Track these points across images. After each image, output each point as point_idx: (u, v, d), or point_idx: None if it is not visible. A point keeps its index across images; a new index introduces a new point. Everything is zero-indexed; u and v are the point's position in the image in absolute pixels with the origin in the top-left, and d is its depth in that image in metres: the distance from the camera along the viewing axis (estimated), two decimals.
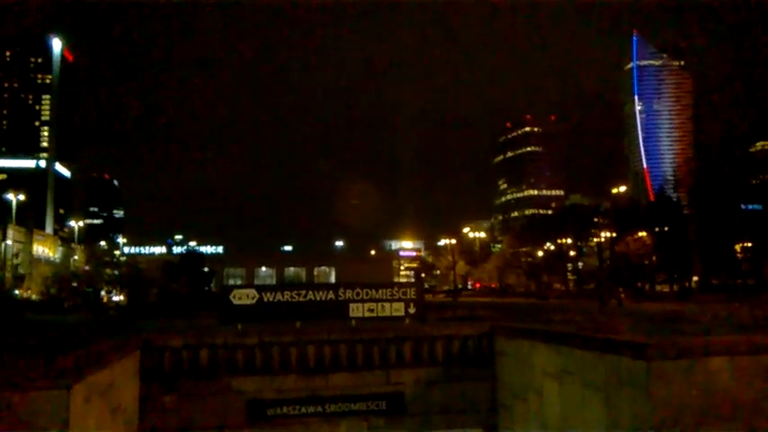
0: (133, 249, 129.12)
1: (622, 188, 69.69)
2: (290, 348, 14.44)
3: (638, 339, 10.18)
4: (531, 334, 13.62)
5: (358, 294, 16.06)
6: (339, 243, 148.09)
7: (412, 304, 16.19)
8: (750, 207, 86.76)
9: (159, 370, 13.73)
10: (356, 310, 15.88)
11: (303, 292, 16.10)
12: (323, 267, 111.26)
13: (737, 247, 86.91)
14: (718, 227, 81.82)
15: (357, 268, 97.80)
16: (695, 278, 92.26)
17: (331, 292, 16.40)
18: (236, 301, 15.36)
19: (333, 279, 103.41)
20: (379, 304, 15.99)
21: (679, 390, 9.66)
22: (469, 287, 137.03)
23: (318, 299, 15.96)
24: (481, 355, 15.41)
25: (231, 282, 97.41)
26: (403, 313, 16.16)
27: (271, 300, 15.59)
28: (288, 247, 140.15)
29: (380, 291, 16.31)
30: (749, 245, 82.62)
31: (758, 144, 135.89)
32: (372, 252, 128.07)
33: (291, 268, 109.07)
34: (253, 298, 15.39)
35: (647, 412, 9.64)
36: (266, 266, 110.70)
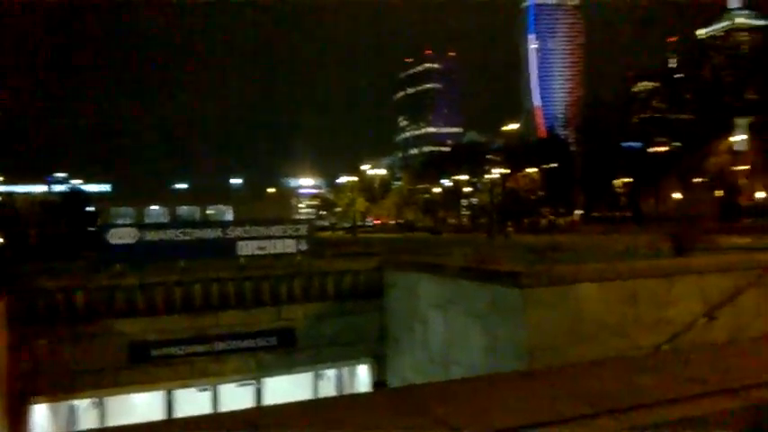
0: (8, 188, 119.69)
1: (514, 125, 71.97)
2: (174, 288, 13.97)
3: (515, 269, 10.60)
4: (417, 267, 13.92)
5: (247, 232, 15.67)
6: (236, 181, 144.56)
7: (303, 241, 16.05)
8: (631, 145, 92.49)
9: (31, 314, 12.88)
10: (245, 248, 15.49)
11: (188, 230, 15.46)
12: (219, 206, 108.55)
13: (618, 183, 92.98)
14: (601, 163, 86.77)
15: (255, 206, 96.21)
16: (579, 211, 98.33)
17: (219, 229, 15.87)
18: (114, 241, 14.52)
19: (229, 218, 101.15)
20: (270, 241, 15.71)
21: (551, 315, 10.22)
22: (370, 224, 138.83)
23: (205, 237, 15.43)
24: (371, 289, 15.64)
25: (121, 222, 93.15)
26: (294, 250, 15.99)
27: (153, 239, 14.88)
28: (182, 185, 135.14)
29: (271, 228, 16.00)
30: (628, 180, 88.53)
31: (640, 84, 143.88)
32: (271, 190, 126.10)
33: (185, 207, 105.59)
34: (133, 237, 14.61)
35: (523, 336, 10.17)
36: (158, 205, 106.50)
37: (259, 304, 14.64)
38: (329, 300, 15.27)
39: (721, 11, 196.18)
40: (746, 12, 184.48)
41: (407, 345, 14.58)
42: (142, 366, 13.76)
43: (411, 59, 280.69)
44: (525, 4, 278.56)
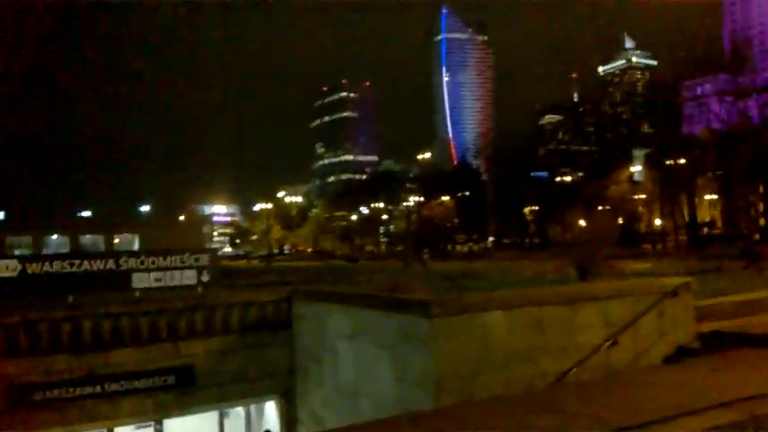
0: None
1: (427, 155, 73.51)
2: (61, 325, 12.82)
3: (427, 297, 10.41)
4: (326, 296, 13.49)
5: (143, 263, 14.69)
6: (145, 208, 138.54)
7: (205, 271, 15.24)
8: (539, 174, 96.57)
9: None
10: (141, 280, 14.52)
11: (77, 261, 14.30)
12: (125, 234, 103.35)
13: (527, 211, 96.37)
14: (511, 192, 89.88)
15: (164, 235, 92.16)
16: (491, 238, 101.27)
17: (111, 260, 14.80)
18: None
19: (136, 247, 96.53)
20: (168, 273, 14.81)
21: (460, 344, 10.05)
22: (287, 251, 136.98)
23: (96, 269, 14.31)
24: (279, 321, 15.01)
25: (17, 252, 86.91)
26: (195, 281, 15.15)
27: (37, 271, 13.67)
28: (87, 213, 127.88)
29: (169, 258, 15.11)
30: (536, 208, 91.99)
31: (546, 117, 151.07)
32: (182, 217, 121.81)
33: (88, 236, 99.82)
34: (14, 270, 13.36)
35: (431, 366, 9.93)
36: (58, 234, 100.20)
37: (156, 341, 13.68)
38: (233, 333, 14.50)
39: (619, 49, 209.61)
40: (640, 51, 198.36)
41: (317, 378, 14.04)
42: (26, 411, 12.47)
43: (327, 88, 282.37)
44: (438, 38, 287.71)
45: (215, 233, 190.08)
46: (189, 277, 14.92)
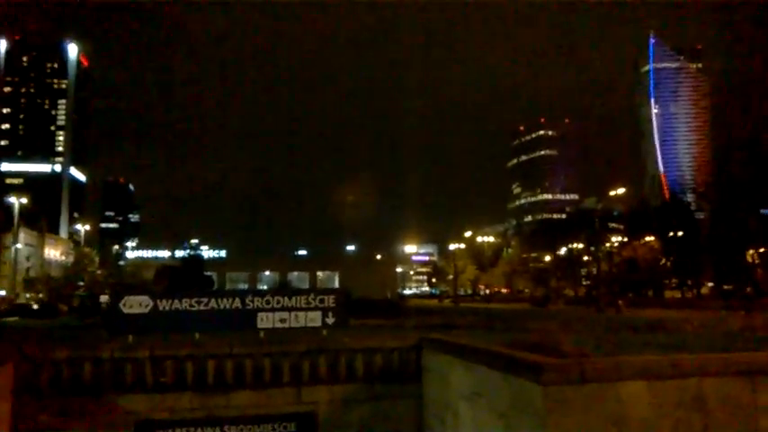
0: (140, 254, 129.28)
1: (621, 190, 67.21)
2: (185, 363, 12.88)
3: (537, 359, 8.46)
4: (449, 348, 11.96)
5: (268, 303, 14.45)
6: (351, 247, 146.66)
7: (330, 313, 14.57)
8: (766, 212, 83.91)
9: (36, 385, 12.27)
10: (265, 321, 14.27)
11: (204, 299, 14.47)
12: (327, 272, 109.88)
13: (751, 253, 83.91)
14: (732, 231, 79.11)
15: (361, 273, 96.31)
16: (710, 284, 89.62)
17: (237, 300, 14.77)
18: (126, 310, 13.83)
19: (336, 284, 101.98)
20: (293, 313, 14.38)
21: (583, 420, 7.95)
22: (482, 293, 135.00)
23: (222, 307, 14.36)
24: (407, 371, 13.74)
25: (237, 287, 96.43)
26: (320, 323, 14.54)
27: (167, 308, 14.03)
28: (302, 252, 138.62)
29: (294, 299, 14.70)
30: (762, 250, 79.79)
31: None
32: (378, 256, 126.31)
33: (295, 273, 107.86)
34: (146, 306, 13.85)
35: None
36: (270, 271, 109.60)
37: (277, 384, 13.18)
38: (358, 381, 13.52)
39: None
40: None
41: None
42: None
43: (524, 127, 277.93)
44: (645, 69, 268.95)
45: (411, 272, 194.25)
46: (313, 319, 14.36)
